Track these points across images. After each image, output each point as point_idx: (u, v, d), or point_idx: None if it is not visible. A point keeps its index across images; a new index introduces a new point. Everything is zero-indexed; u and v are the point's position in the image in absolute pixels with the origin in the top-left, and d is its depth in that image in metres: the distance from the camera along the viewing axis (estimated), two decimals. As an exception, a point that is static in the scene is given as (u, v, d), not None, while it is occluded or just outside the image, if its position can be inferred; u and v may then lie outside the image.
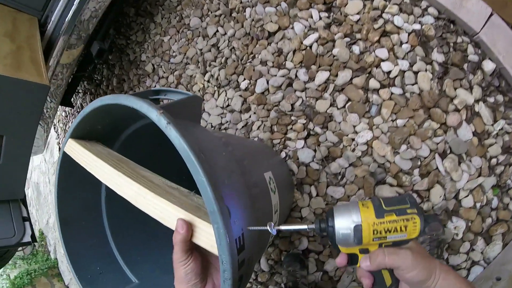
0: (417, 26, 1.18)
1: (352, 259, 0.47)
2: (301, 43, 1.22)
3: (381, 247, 0.45)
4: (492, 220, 1.08)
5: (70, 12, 1.35)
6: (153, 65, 1.65)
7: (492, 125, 1.13)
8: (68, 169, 0.75)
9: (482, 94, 1.13)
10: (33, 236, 1.33)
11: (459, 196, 1.08)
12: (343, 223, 0.44)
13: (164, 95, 0.71)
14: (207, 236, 0.47)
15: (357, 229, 0.43)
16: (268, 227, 0.45)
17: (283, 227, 0.46)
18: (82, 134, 0.73)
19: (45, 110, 1.57)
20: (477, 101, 1.13)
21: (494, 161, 1.11)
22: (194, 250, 0.48)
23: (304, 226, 0.45)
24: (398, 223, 0.43)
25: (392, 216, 0.43)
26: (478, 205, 1.08)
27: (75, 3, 1.33)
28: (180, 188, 0.64)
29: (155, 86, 1.58)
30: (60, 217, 0.79)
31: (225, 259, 0.44)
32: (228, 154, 0.63)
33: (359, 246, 0.46)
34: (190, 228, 0.46)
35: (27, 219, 1.36)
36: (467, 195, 1.08)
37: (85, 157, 0.67)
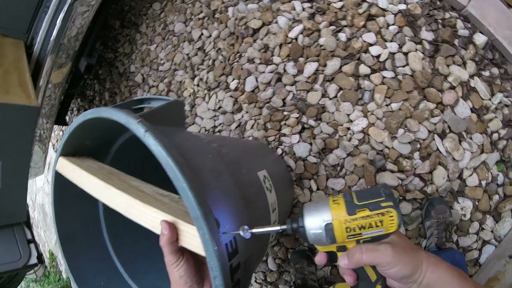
0: (402, 6, 1.17)
1: (332, 257, 0.45)
2: (287, 36, 1.22)
3: (359, 243, 0.43)
4: (500, 197, 1.06)
5: (55, 31, 1.37)
6: (142, 75, 1.66)
7: (490, 99, 1.11)
8: (63, 187, 0.76)
9: (477, 68, 1.12)
10: (39, 257, 1.35)
11: (463, 176, 1.07)
12: (314, 223, 0.42)
13: (148, 103, 0.71)
14: (197, 240, 0.47)
15: (328, 228, 0.41)
16: (240, 231, 0.43)
17: (255, 230, 0.44)
18: (72, 150, 0.73)
19: (41, 131, 1.59)
20: (472, 76, 1.12)
21: (495, 136, 1.09)
22: (185, 252, 0.48)
23: (278, 228, 0.43)
24: (372, 219, 0.40)
25: (365, 211, 0.40)
26: (483, 183, 1.06)
27: (58, 22, 1.35)
28: (171, 194, 0.64)
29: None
30: (60, 235, 0.79)
31: (214, 265, 0.43)
32: (216, 156, 0.63)
33: (334, 244, 0.43)
34: (173, 228, 0.46)
35: (32, 241, 1.38)
36: (471, 174, 1.07)
37: (76, 173, 0.68)
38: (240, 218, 0.56)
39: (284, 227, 0.43)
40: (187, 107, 1.41)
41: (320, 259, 0.46)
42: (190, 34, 1.47)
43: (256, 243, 0.66)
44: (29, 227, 1.41)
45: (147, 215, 0.53)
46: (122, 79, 1.77)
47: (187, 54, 1.47)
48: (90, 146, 0.75)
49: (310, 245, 0.47)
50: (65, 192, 0.77)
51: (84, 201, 0.82)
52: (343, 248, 0.44)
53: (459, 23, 1.15)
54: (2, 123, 1.09)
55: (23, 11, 1.36)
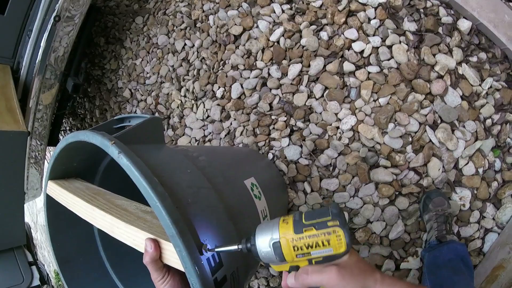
0: (382, -1, 1.19)
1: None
2: (268, 40, 1.25)
3: (312, 263, 0.43)
4: (498, 183, 1.07)
5: (39, 52, 1.41)
6: (130, 90, 1.70)
7: (480, 85, 1.12)
8: (56, 210, 0.79)
9: (464, 55, 1.13)
10: (42, 279, 1.39)
11: (459, 165, 1.08)
12: (264, 241, 0.43)
13: (128, 121, 0.74)
14: (176, 257, 0.49)
15: (276, 246, 0.42)
16: (203, 250, 0.46)
17: (216, 249, 0.47)
18: (61, 173, 0.77)
19: (36, 153, 1.64)
20: (459, 63, 1.13)
21: (489, 121, 1.10)
22: (171, 267, 0.50)
23: (235, 247, 0.46)
24: (318, 238, 0.41)
25: (311, 230, 0.42)
26: (480, 170, 1.07)
27: (42, 44, 1.39)
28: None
29: (135, 111, 1.63)
30: (58, 258, 0.83)
31: (194, 281, 0.45)
32: (196, 170, 0.65)
33: (287, 264, 0.44)
34: (157, 246, 0.48)
35: (33, 263, 1.42)
36: (467, 163, 1.08)
37: (63, 196, 0.71)
38: (223, 231, 0.58)
39: (240, 246, 0.45)
40: (176, 119, 1.44)
41: (283, 281, 0.46)
42: (173, 46, 1.51)
43: (245, 254, 0.68)
44: (30, 249, 1.45)
45: (130, 234, 0.56)
46: (111, 96, 1.82)
47: (172, 66, 1.50)
48: (78, 167, 0.79)
49: (265, 264, 0.49)
50: (58, 214, 0.80)
51: (78, 222, 0.85)
52: (295, 268, 0.45)
53: (442, 11, 1.17)
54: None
55: (7, 36, 1.40)
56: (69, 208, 0.70)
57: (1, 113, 1.21)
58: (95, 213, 0.63)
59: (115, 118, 0.76)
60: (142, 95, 1.61)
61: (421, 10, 1.18)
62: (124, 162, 0.49)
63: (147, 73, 1.61)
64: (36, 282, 1.39)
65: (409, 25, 1.16)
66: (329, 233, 0.41)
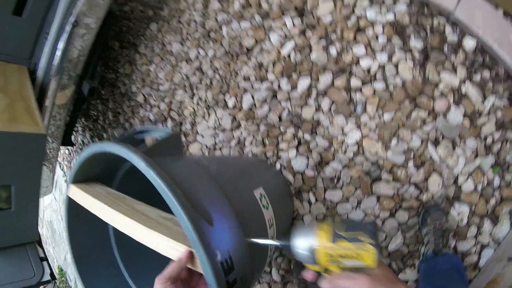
0: (390, 16, 1.25)
1: (320, 276, 0.52)
2: (279, 53, 1.31)
3: (342, 269, 0.48)
4: (496, 200, 1.12)
5: (57, 55, 1.49)
6: (143, 95, 1.78)
7: (482, 102, 1.17)
8: (75, 211, 0.87)
9: (467, 73, 1.18)
10: (52, 274, 1.46)
11: (459, 182, 1.13)
12: (301, 244, 0.49)
13: (149, 133, 0.82)
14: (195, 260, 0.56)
15: (312, 251, 0.48)
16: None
17: (260, 241, 0.55)
18: (83, 178, 0.85)
19: (48, 151, 1.72)
20: (463, 81, 1.18)
21: (489, 139, 1.15)
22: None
23: (276, 242, 0.53)
24: (352, 251, 0.45)
25: (346, 242, 0.46)
26: (479, 187, 1.12)
27: (59, 47, 1.47)
28: (174, 218, 0.73)
29: (149, 116, 1.70)
30: (74, 255, 0.91)
31: (211, 281, 0.52)
32: (211, 181, 0.72)
33: (318, 266, 0.50)
34: (190, 256, 0.55)
35: (45, 258, 1.50)
36: (467, 179, 1.13)
37: (86, 199, 0.79)
38: (234, 238, 0.65)
39: (278, 243, 0.52)
40: (188, 126, 1.51)
41: (308, 275, 0.53)
42: (187, 54, 1.58)
43: (253, 259, 0.75)
44: (41, 245, 1.53)
45: (152, 238, 0.63)
46: (124, 99, 1.90)
47: (186, 74, 1.58)
48: (98, 172, 0.86)
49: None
50: (77, 215, 0.88)
51: (95, 222, 0.93)
52: (327, 271, 0.50)
53: (448, 29, 1.22)
54: (13, 150, 1.21)
55: (24, 38, 1.48)
56: (92, 211, 0.77)
57: (19, 114, 1.27)
58: (117, 217, 0.70)
59: (137, 129, 0.83)
60: (156, 101, 1.69)
61: (428, 28, 1.24)
62: (151, 175, 0.56)
63: (161, 79, 1.69)
64: (47, 277, 1.46)
65: (416, 43, 1.22)
66: (363, 249, 0.45)
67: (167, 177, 0.57)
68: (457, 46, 1.22)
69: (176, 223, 0.71)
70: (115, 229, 0.97)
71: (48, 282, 1.45)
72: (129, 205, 0.76)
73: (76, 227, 0.91)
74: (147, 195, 0.78)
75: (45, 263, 1.49)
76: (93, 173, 0.86)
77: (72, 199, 0.83)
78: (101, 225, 0.96)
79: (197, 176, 0.70)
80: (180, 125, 1.55)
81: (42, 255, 1.50)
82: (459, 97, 1.18)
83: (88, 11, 1.47)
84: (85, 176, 0.85)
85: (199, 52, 1.55)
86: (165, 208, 0.74)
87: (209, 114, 1.45)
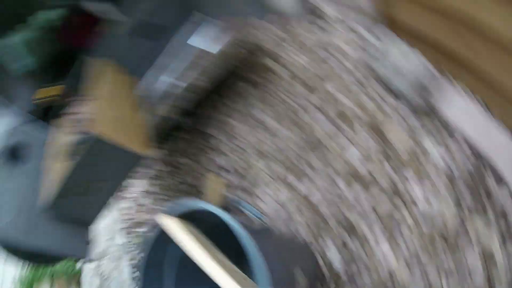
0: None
1: None
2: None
3: None
4: None
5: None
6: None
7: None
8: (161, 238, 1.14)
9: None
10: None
11: None
12: None
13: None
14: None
15: None
16: None
17: None
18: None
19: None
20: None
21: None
22: None
23: None
24: None
25: None
26: None
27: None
28: (240, 272, 1.03)
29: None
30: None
31: None
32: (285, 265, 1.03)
33: None
34: None
35: (89, 242, 1.79)
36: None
37: (179, 234, 1.03)
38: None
39: None
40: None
41: None
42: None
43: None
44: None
45: (229, 283, 0.92)
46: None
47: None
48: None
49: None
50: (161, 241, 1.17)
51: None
52: None
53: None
54: (120, 159, 1.49)
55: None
56: (183, 247, 1.02)
57: (130, 130, 1.53)
58: (209, 263, 0.95)
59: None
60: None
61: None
62: (255, 256, 0.89)
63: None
64: (92, 256, 1.76)
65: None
66: None
67: (263, 260, 0.89)
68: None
69: (243, 277, 0.98)
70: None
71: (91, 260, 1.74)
72: (212, 253, 1.01)
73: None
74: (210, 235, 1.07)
75: (90, 245, 1.77)
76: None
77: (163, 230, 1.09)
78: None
79: (279, 257, 1.01)
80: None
81: (88, 239, 1.78)
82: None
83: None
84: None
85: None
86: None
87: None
